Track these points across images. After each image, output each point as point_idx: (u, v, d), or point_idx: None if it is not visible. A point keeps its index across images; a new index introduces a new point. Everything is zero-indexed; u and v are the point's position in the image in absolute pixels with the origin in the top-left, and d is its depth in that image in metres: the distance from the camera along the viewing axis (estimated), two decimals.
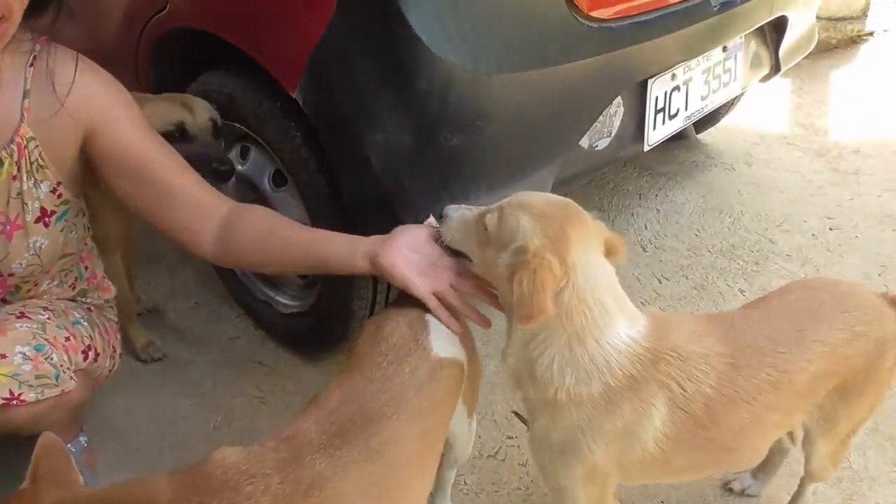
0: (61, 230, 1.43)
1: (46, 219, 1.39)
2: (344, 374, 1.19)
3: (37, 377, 1.35)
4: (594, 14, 1.72)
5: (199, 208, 1.37)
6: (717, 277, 2.44)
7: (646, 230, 2.70)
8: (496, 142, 1.63)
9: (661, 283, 2.41)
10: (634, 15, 1.84)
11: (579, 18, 1.69)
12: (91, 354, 1.50)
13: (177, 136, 1.72)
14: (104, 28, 2.25)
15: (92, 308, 1.61)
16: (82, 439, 1.70)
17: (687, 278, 2.44)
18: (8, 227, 1.35)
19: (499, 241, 1.17)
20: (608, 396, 1.16)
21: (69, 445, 1.67)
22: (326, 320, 1.97)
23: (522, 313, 1.09)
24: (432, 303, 1.22)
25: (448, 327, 1.25)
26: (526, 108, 1.67)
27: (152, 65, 2.10)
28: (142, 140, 1.36)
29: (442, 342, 1.24)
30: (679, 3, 1.94)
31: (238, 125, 1.90)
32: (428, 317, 1.24)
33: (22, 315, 1.40)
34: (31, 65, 1.30)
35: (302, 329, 2.05)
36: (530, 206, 1.17)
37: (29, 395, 1.33)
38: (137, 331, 2.09)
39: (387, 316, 1.26)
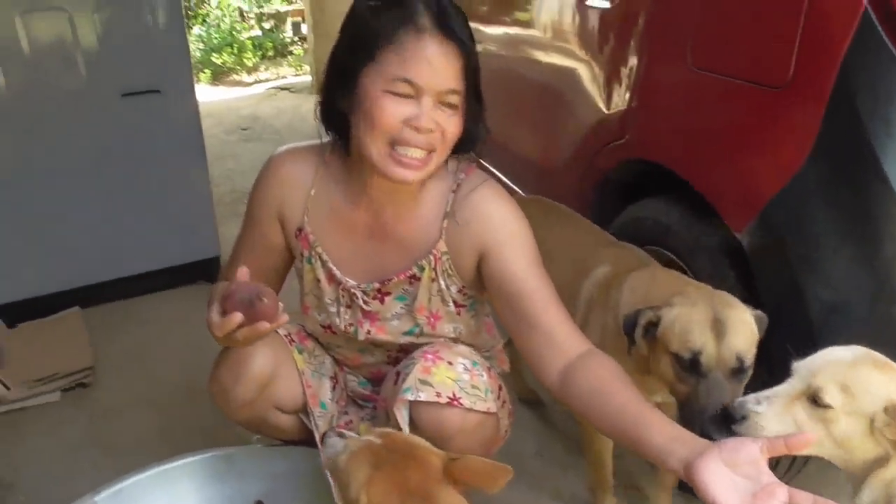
0: (472, 316, 1.66)
1: (459, 309, 1.61)
2: None
3: (472, 387, 1.51)
4: None
5: (554, 345, 1.44)
6: None
7: None
8: None
9: None
10: None
11: None
12: (501, 395, 1.65)
13: (687, 364, 1.43)
14: (552, 149, 2.54)
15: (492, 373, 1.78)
16: None
17: None
18: (432, 318, 1.60)
19: (854, 410, 1.12)
20: None
21: None
22: None
23: None
24: None
25: None
26: None
27: (592, 190, 2.30)
28: (522, 273, 1.48)
29: None
30: None
31: (666, 252, 1.98)
32: None
33: (457, 341, 1.64)
34: (454, 190, 1.52)
35: None
36: (861, 361, 1.15)
37: (465, 401, 1.48)
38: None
39: None
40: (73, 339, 2.74)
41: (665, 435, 1.22)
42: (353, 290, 1.59)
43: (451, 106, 1.36)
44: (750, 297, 1.70)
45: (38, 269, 2.86)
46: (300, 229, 1.59)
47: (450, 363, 1.51)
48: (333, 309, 1.62)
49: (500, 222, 1.50)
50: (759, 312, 1.48)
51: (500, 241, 1.49)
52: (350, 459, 1.20)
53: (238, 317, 1.31)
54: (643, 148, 2.02)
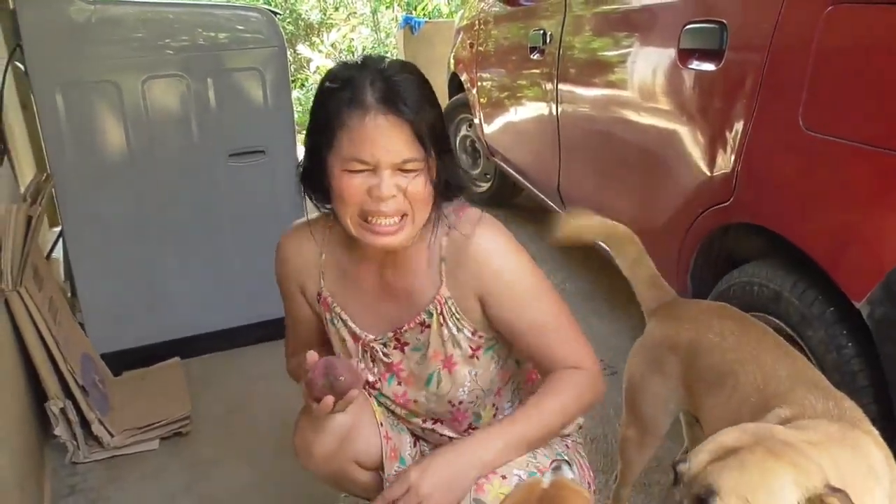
0: (490, 358, 1.65)
1: (474, 353, 1.62)
2: None
3: None
4: None
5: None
6: None
7: None
8: None
9: None
10: None
11: None
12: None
13: None
14: (648, 212, 2.50)
15: (569, 444, 1.71)
16: None
17: None
18: (447, 364, 1.61)
19: None
20: None
21: None
22: None
23: None
24: None
25: None
26: None
27: (690, 254, 2.24)
28: (519, 313, 1.54)
29: None
30: None
31: (775, 320, 1.89)
32: None
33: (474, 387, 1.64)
34: (447, 234, 1.54)
35: None
36: None
37: None
38: None
39: None
40: (173, 388, 2.83)
41: None
42: (372, 345, 1.64)
43: (410, 171, 1.41)
44: (871, 371, 1.61)
45: (142, 320, 2.99)
46: (319, 294, 1.66)
47: (503, 477, 1.49)
48: (362, 365, 1.67)
49: (497, 267, 1.52)
50: None
51: (498, 285, 1.52)
52: (511, 493, 1.30)
53: (330, 400, 1.42)
54: (749, 212, 1.95)
